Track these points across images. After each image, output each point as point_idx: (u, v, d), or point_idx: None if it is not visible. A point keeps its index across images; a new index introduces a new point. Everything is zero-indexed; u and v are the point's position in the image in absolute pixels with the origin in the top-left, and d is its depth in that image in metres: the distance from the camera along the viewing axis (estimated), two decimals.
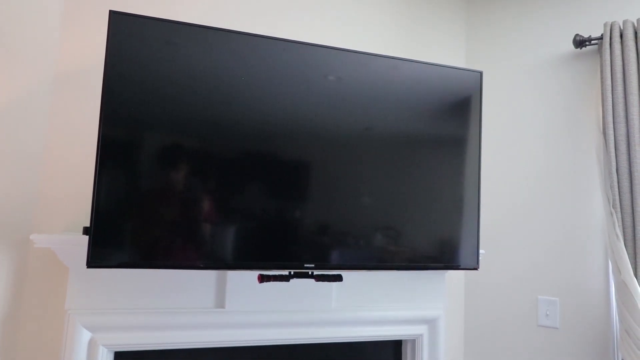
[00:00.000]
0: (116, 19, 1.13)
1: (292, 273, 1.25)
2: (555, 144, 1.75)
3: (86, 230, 1.20)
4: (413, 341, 1.63)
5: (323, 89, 1.29)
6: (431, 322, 1.63)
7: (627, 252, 1.48)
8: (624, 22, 1.57)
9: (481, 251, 1.54)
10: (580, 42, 1.69)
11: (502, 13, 1.94)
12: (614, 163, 1.53)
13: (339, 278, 1.28)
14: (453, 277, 1.89)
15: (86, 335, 1.27)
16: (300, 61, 1.28)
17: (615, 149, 1.53)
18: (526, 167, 1.81)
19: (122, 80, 1.13)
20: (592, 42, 1.68)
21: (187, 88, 1.18)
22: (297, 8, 1.71)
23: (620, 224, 1.50)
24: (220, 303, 1.39)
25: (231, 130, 1.20)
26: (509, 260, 1.81)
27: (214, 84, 1.20)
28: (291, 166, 1.26)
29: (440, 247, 1.38)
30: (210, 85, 1.20)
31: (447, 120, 1.42)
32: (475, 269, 1.41)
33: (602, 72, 1.60)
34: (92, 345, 1.27)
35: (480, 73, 1.46)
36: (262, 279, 1.23)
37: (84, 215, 1.39)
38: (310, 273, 1.26)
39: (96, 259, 1.08)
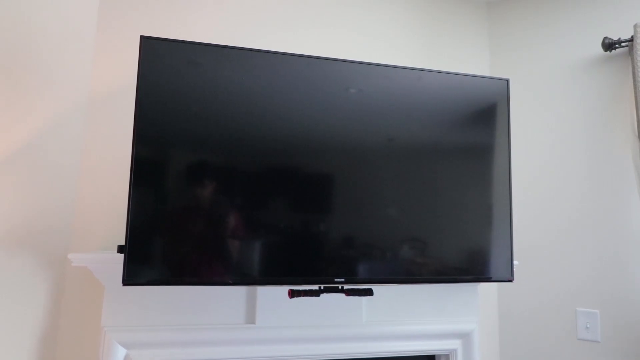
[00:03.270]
0: (147, 43, 1.18)
1: (322, 288, 1.25)
2: (588, 150, 1.70)
3: (121, 249, 1.23)
4: (447, 356, 1.59)
5: (345, 102, 1.30)
6: (465, 337, 1.59)
7: None
8: None
9: (515, 262, 1.49)
10: (609, 45, 1.65)
11: (525, 19, 1.92)
12: None
13: (369, 292, 1.26)
14: (486, 290, 1.84)
15: (121, 352, 1.29)
16: (321, 76, 1.29)
17: None
18: (558, 175, 1.76)
19: (153, 102, 1.16)
20: (622, 44, 1.63)
21: (213, 106, 1.20)
22: (318, 23, 1.73)
23: None
24: (250, 319, 1.40)
25: (256, 146, 1.22)
26: (545, 272, 1.75)
27: (238, 101, 1.22)
28: (316, 180, 1.27)
29: (470, 259, 1.35)
30: (235, 102, 1.22)
31: (473, 129, 1.40)
32: (510, 280, 1.37)
33: (634, 74, 1.55)
34: None
35: (507, 81, 1.44)
36: (293, 294, 1.23)
37: (117, 234, 1.43)
38: (340, 287, 1.25)
39: (131, 276, 1.10)
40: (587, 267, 1.65)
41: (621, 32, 1.68)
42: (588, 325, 1.62)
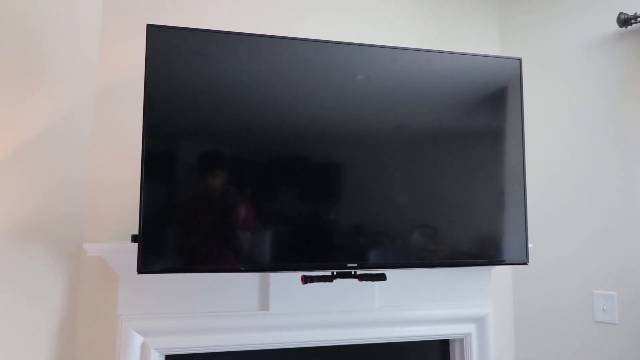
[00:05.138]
0: (153, 32, 1.17)
1: (334, 273, 1.25)
2: (604, 130, 1.66)
3: (134, 238, 1.24)
4: (461, 340, 1.59)
5: (353, 89, 1.28)
6: (479, 321, 1.58)
7: None
8: None
9: (529, 245, 1.47)
10: (625, 21, 1.60)
11: None
12: None
13: (382, 277, 1.26)
14: (500, 273, 1.82)
15: (138, 340, 1.31)
16: (329, 61, 1.27)
17: None
18: (574, 156, 1.73)
19: (161, 91, 1.16)
20: (639, 19, 1.58)
21: (222, 95, 1.20)
22: (322, 7, 1.71)
23: None
24: (264, 305, 1.40)
25: (264, 135, 1.21)
26: (560, 254, 1.72)
27: (246, 89, 1.21)
28: (326, 167, 1.26)
29: (483, 243, 1.33)
30: (243, 91, 1.21)
31: (484, 111, 1.37)
32: (525, 263, 1.35)
33: None
34: (144, 349, 1.31)
35: (520, 60, 1.41)
36: (306, 279, 1.23)
37: (129, 224, 1.44)
38: (353, 273, 1.25)
39: (146, 265, 1.11)
40: (604, 249, 1.63)
41: (637, 7, 1.63)
42: (605, 308, 1.60)
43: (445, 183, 1.32)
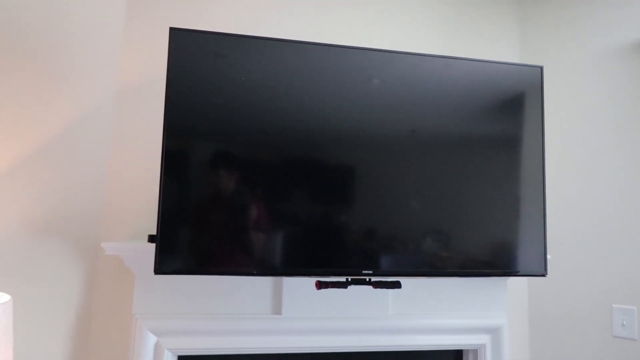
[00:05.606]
0: (176, 35, 1.18)
1: (349, 279, 1.24)
2: (628, 140, 1.63)
3: (151, 238, 1.25)
4: (475, 351, 1.56)
5: (368, 93, 1.28)
6: (494, 332, 1.55)
7: None
8: None
9: (547, 256, 1.45)
10: None
11: (558, 1, 1.84)
12: None
13: (397, 285, 1.25)
14: (515, 283, 1.79)
15: (152, 339, 1.32)
16: (345, 65, 1.27)
17: None
18: (593, 166, 1.69)
19: (182, 93, 1.17)
20: None
21: (241, 97, 1.20)
22: (339, 11, 1.71)
23: None
24: (277, 309, 1.40)
25: (281, 138, 1.21)
26: (578, 266, 1.69)
27: (263, 92, 1.22)
28: (341, 171, 1.25)
29: (498, 252, 1.31)
30: (261, 94, 1.22)
31: (502, 118, 1.35)
32: (543, 275, 1.33)
33: None
34: (157, 349, 1.32)
35: (541, 68, 1.39)
36: (320, 285, 1.22)
37: (146, 224, 1.45)
38: (368, 279, 1.24)
39: (162, 266, 1.12)
40: (624, 262, 1.59)
41: None
42: (624, 322, 1.56)
43: (460, 189, 1.31)
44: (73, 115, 1.38)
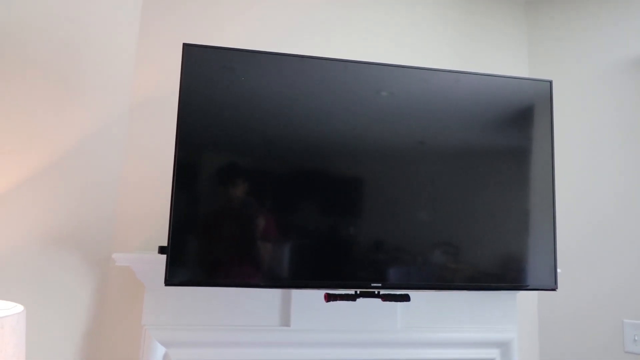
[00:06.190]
0: (189, 51, 1.21)
1: (358, 292, 1.24)
2: (637, 154, 1.62)
3: (162, 250, 1.26)
4: None
5: (377, 105, 1.29)
6: (504, 346, 1.54)
7: None
8: None
9: (557, 270, 1.44)
10: None
11: (566, 16, 1.85)
12: None
13: (406, 298, 1.25)
14: (525, 297, 1.78)
15: (161, 350, 1.32)
16: (355, 80, 1.29)
17: None
18: (602, 180, 1.69)
19: (194, 108, 1.19)
20: None
21: (252, 112, 1.22)
22: (351, 27, 1.73)
23: None
24: (285, 321, 1.40)
25: (291, 151, 1.23)
26: (589, 280, 1.68)
27: (273, 105, 1.24)
28: (349, 183, 1.26)
29: (508, 266, 1.31)
30: (272, 107, 1.23)
31: (513, 132, 1.36)
32: (553, 289, 1.32)
33: None
34: None
35: (550, 82, 1.40)
36: (329, 297, 1.22)
37: (156, 235, 1.47)
38: (376, 292, 1.24)
39: (173, 277, 1.13)
40: (634, 276, 1.57)
41: None
42: (636, 338, 1.54)
43: (469, 202, 1.31)
44: (87, 128, 1.40)
